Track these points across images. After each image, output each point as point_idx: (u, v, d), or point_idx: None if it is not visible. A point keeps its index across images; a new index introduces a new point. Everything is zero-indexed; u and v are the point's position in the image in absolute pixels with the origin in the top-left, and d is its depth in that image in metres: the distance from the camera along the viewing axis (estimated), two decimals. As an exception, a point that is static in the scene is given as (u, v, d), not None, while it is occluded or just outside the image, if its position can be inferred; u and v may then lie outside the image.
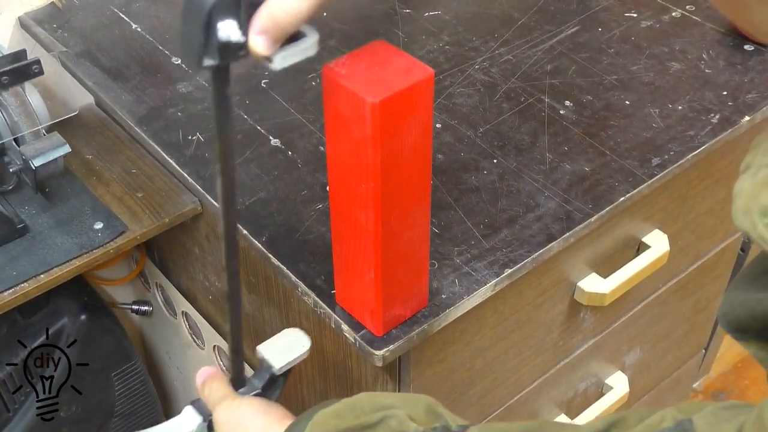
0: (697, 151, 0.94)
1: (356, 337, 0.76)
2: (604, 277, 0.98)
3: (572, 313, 1.01)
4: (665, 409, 0.45)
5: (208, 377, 0.73)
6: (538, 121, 0.98)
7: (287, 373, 0.75)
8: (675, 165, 0.92)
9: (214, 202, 0.89)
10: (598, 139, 0.95)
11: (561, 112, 0.99)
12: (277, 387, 0.75)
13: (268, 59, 0.54)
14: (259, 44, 0.53)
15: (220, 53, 0.53)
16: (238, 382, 0.74)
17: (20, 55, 0.93)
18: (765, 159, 0.41)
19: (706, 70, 1.05)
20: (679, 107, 1.00)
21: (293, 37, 0.55)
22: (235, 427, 0.68)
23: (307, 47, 0.56)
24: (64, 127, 1.02)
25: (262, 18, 0.52)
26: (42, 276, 0.91)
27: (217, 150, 0.60)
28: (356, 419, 0.59)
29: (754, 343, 0.42)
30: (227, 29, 0.52)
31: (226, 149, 0.60)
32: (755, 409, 0.39)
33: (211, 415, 0.72)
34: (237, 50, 0.53)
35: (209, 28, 0.52)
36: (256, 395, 0.73)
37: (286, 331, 0.76)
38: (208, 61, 0.53)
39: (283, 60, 0.55)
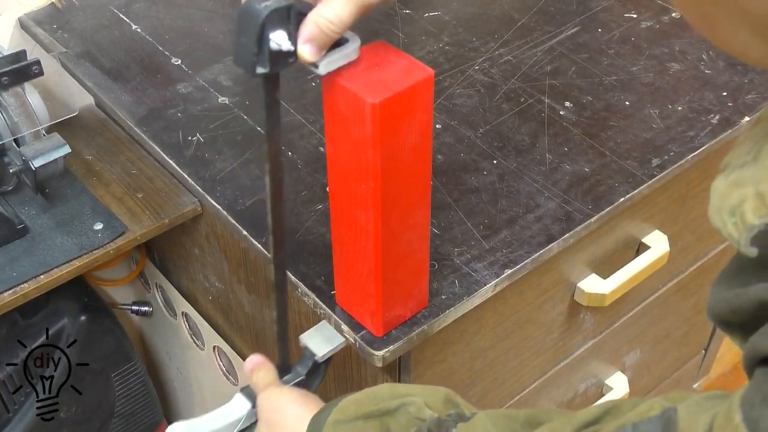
0: (697, 152, 0.94)
1: (356, 337, 0.76)
2: (604, 278, 0.98)
3: (572, 314, 1.01)
4: (655, 398, 0.47)
5: (256, 365, 0.76)
6: (538, 121, 0.98)
7: (329, 361, 0.79)
8: (675, 165, 0.92)
9: (214, 203, 0.89)
10: (598, 139, 0.95)
11: (561, 112, 0.99)
12: (320, 374, 0.79)
13: (315, 65, 0.59)
14: (306, 52, 0.58)
15: (272, 62, 0.57)
16: (283, 369, 0.77)
17: (20, 55, 0.93)
18: (739, 160, 0.43)
19: (706, 71, 1.05)
20: (679, 108, 1.00)
21: (337, 43, 0.59)
22: (274, 413, 0.71)
23: (350, 52, 0.60)
24: (64, 127, 1.02)
25: (308, 27, 0.57)
26: (42, 277, 0.91)
27: (266, 151, 0.64)
28: (376, 406, 0.62)
29: (737, 335, 0.44)
30: (278, 39, 0.57)
31: (275, 151, 0.64)
32: (728, 400, 0.41)
33: None
34: (287, 58, 0.58)
35: (262, 39, 0.56)
36: (300, 381, 0.77)
37: (325, 321, 0.79)
38: (261, 69, 0.57)
39: (328, 65, 0.60)
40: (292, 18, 0.57)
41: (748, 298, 0.41)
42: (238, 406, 0.75)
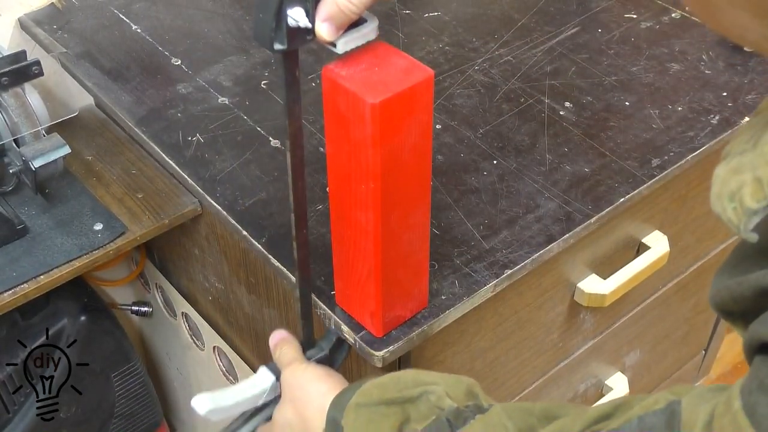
0: (697, 152, 0.94)
1: (356, 338, 0.76)
2: (604, 278, 0.98)
3: (572, 314, 1.01)
4: (661, 392, 0.48)
5: (280, 340, 0.77)
6: (538, 122, 0.98)
7: None
8: (675, 166, 0.92)
9: (214, 203, 0.89)
10: (598, 140, 0.95)
11: (561, 113, 0.99)
12: (344, 350, 0.79)
13: (332, 44, 0.59)
14: (324, 30, 0.58)
15: (289, 38, 0.58)
16: (307, 344, 0.77)
17: (20, 56, 0.93)
18: (739, 148, 0.44)
19: (706, 71, 1.05)
20: (679, 108, 1.00)
21: (355, 23, 0.60)
22: (298, 389, 0.71)
23: (368, 32, 0.61)
24: (64, 128, 1.02)
25: (327, 6, 0.57)
26: (42, 277, 0.91)
27: (286, 128, 0.64)
28: (399, 392, 0.63)
29: (740, 324, 0.45)
30: (296, 16, 0.57)
31: (295, 128, 0.65)
32: (727, 390, 0.42)
33: None
34: (304, 35, 0.58)
35: (280, 15, 0.57)
36: (323, 357, 0.77)
37: None
38: (278, 46, 0.58)
39: (345, 44, 0.60)
40: None
41: (748, 285, 0.41)
42: (262, 379, 0.76)
